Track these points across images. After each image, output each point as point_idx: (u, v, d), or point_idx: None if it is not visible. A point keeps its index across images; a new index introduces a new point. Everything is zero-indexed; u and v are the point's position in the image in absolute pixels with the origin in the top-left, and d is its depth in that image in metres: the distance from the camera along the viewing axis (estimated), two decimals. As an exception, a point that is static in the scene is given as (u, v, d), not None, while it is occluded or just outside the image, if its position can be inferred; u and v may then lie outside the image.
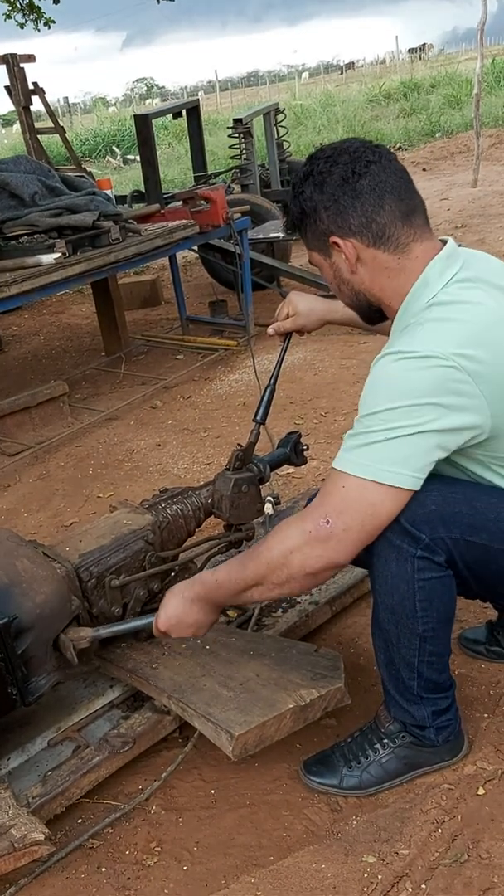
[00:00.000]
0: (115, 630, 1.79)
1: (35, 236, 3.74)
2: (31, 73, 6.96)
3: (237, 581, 1.54)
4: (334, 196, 1.46)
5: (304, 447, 2.14)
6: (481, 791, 1.61)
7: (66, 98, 35.39)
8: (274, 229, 5.30)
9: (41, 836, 1.46)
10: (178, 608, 1.63)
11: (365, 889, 1.45)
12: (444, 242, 1.50)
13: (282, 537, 1.47)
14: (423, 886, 1.44)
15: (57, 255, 3.59)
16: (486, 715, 1.81)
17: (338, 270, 1.53)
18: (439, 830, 1.54)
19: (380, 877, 1.46)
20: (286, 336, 1.99)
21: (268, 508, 2.40)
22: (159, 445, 3.65)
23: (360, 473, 1.39)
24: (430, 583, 1.47)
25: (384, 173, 1.45)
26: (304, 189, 1.50)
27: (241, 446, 2.00)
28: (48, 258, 3.56)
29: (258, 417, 1.98)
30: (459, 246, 1.53)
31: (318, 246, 1.54)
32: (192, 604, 1.62)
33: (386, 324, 1.57)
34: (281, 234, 5.15)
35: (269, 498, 2.46)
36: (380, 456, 1.37)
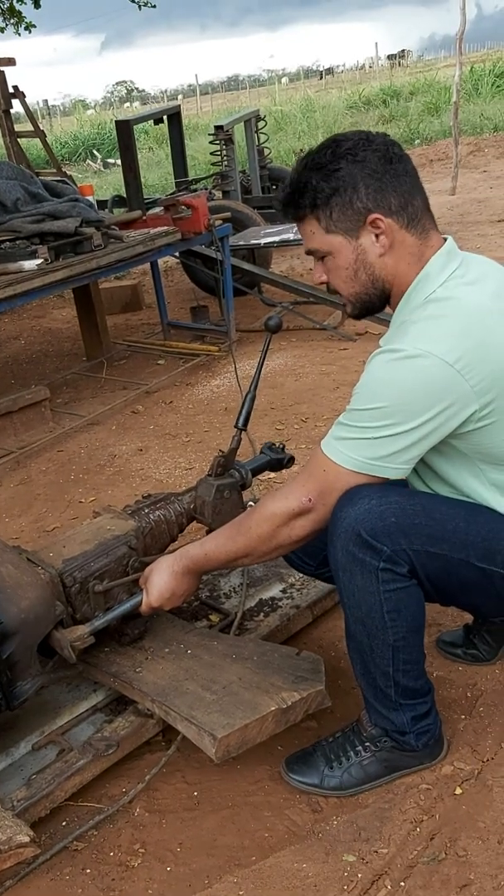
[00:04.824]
0: (108, 618, 1.82)
1: (17, 242, 3.75)
2: (10, 75, 6.96)
3: (227, 553, 1.64)
4: (377, 174, 1.45)
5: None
6: (458, 791, 1.64)
7: (46, 101, 35.25)
8: (255, 236, 5.33)
9: (26, 839, 1.47)
10: (169, 582, 1.74)
11: (345, 887, 1.48)
12: (445, 239, 1.54)
13: (267, 515, 1.56)
14: (402, 884, 1.47)
15: (39, 261, 3.59)
16: (463, 716, 1.85)
17: (363, 254, 1.49)
18: (418, 829, 1.57)
19: (360, 875, 1.49)
20: (265, 340, 2.03)
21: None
22: (141, 450, 3.66)
23: (345, 464, 1.46)
24: (395, 593, 1.51)
25: (410, 162, 1.51)
26: (340, 166, 1.45)
27: (223, 452, 2.02)
28: (30, 264, 3.56)
29: (239, 423, 2.00)
30: None
31: (344, 226, 1.47)
32: (183, 576, 1.74)
33: None
34: (262, 241, 5.17)
35: (250, 504, 2.48)
36: (366, 452, 1.43)
